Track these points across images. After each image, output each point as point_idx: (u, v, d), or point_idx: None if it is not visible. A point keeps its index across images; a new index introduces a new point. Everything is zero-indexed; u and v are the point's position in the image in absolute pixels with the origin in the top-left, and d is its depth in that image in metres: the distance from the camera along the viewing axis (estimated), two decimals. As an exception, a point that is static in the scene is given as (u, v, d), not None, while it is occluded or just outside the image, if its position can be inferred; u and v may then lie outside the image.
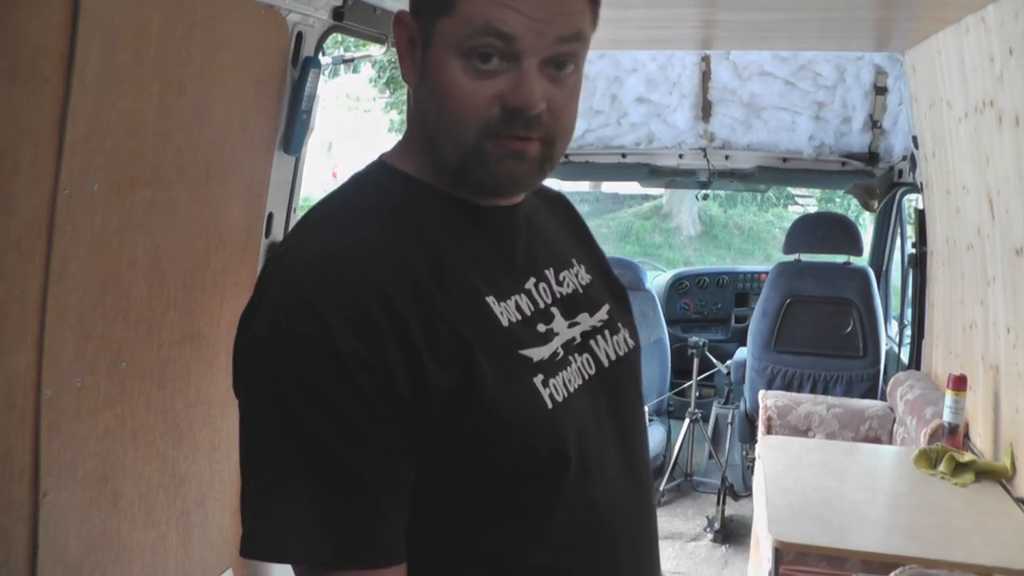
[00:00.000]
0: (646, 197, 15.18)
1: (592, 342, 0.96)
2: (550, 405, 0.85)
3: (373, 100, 16.48)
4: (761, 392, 3.58)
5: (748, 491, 4.08)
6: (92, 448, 1.74)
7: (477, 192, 0.89)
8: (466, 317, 0.83)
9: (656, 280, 5.27)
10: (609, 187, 14.72)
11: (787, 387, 3.90)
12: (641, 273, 4.65)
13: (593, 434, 0.90)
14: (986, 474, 2.42)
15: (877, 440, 3.27)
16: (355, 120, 16.95)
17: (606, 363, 0.96)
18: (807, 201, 15.80)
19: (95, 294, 1.67)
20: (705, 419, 4.34)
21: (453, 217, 0.89)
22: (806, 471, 2.53)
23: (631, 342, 1.02)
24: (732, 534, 3.89)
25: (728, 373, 4.30)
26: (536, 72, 0.82)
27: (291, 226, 2.36)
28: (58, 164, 1.49)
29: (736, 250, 15.48)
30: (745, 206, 16.34)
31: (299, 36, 2.13)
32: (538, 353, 0.88)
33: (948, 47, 2.69)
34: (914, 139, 3.40)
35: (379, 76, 13.60)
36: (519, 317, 0.88)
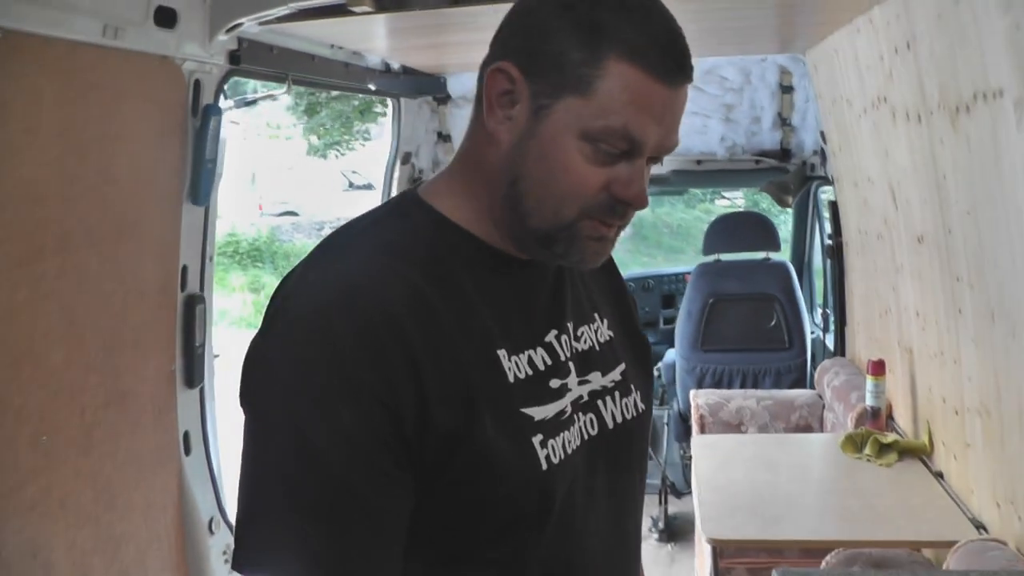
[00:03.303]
0: (573, 200, 15.32)
1: (600, 402, 0.95)
2: (545, 466, 0.85)
3: (293, 126, 16.31)
4: (692, 392, 3.65)
5: (689, 489, 4.15)
6: (17, 524, 1.70)
7: (557, 259, 0.90)
8: (475, 365, 0.83)
9: None
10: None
11: (717, 384, 3.98)
12: None
13: (581, 496, 0.90)
14: (908, 452, 2.53)
15: (808, 428, 3.37)
16: (277, 148, 16.78)
17: (610, 425, 0.95)
18: (733, 194, 16.16)
19: (10, 368, 1.64)
20: (642, 421, 4.40)
21: (482, 263, 0.89)
22: (739, 467, 2.60)
23: (641, 406, 1.00)
24: (677, 532, 3.97)
25: (659, 375, 4.38)
26: (646, 169, 0.85)
27: (207, 277, 2.33)
28: (-35, 241, 1.46)
29: (667, 248, 15.72)
30: (672, 204, 16.61)
31: (197, 84, 2.11)
32: (541, 412, 0.87)
33: (843, 47, 2.80)
34: (822, 134, 3.52)
35: (297, 103, 13.51)
36: (529, 372, 0.88)
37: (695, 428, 3.45)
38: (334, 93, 13.07)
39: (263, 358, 0.82)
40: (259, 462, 0.80)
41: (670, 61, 0.82)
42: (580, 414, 0.92)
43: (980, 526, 2.08)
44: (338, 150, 14.96)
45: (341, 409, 0.77)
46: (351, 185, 16.44)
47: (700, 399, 3.47)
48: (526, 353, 0.88)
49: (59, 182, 1.71)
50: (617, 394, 0.97)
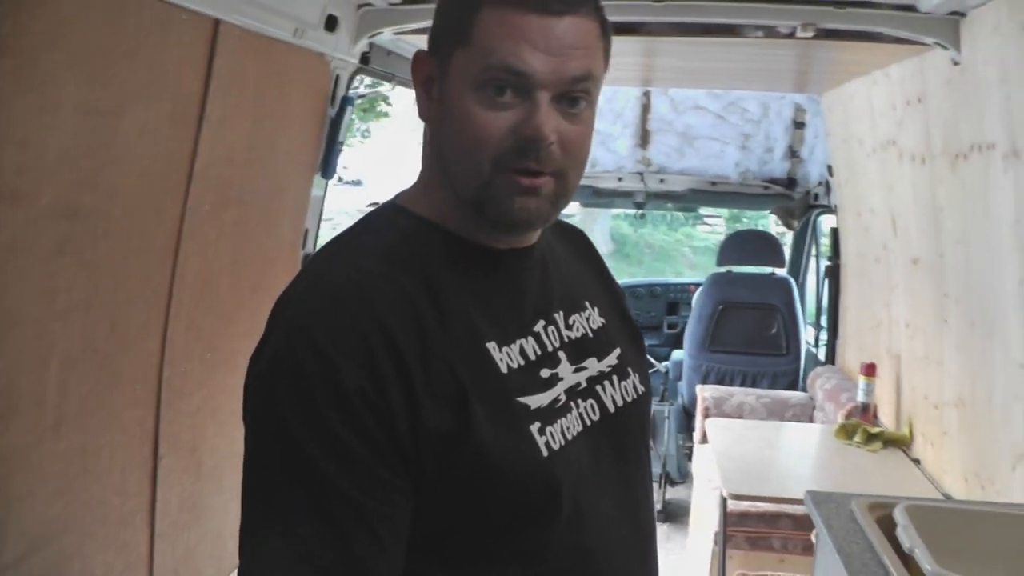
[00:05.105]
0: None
1: (599, 387, 0.96)
2: (545, 453, 0.86)
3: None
4: (698, 386, 4.10)
5: (683, 478, 4.59)
6: (188, 422, 2.10)
7: (494, 229, 0.90)
8: (465, 361, 0.84)
9: None
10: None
11: (719, 382, 4.43)
12: None
13: (589, 481, 0.91)
14: (891, 442, 2.99)
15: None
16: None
17: (611, 409, 0.96)
18: (715, 221, 16.71)
19: (197, 293, 2.03)
20: (644, 415, 4.85)
21: (463, 260, 0.90)
22: (748, 445, 3.05)
23: (640, 388, 1.02)
24: (671, 515, 4.39)
25: (666, 373, 4.83)
26: (548, 106, 0.84)
27: (318, 239, 2.74)
28: (187, 187, 1.86)
29: (647, 268, 16.12)
30: (655, 225, 17.06)
31: (337, 78, 2.53)
32: (536, 400, 0.88)
33: (859, 94, 3.26)
34: (829, 168, 4.00)
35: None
36: (521, 362, 0.89)
37: (699, 418, 3.89)
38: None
39: (258, 373, 0.83)
40: (257, 473, 0.82)
41: None
42: (579, 401, 0.93)
43: (949, 497, 2.52)
44: (337, 146, 15.40)
45: (332, 417, 0.78)
46: (340, 180, 16.86)
47: (706, 393, 3.92)
48: (517, 343, 0.90)
49: (244, 148, 2.11)
50: (615, 378, 0.98)
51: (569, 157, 0.86)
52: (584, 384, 0.94)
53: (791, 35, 2.34)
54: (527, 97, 0.83)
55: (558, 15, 0.83)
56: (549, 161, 0.84)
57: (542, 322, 0.93)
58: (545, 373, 0.91)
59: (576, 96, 0.85)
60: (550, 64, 0.82)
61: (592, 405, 0.94)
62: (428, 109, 0.90)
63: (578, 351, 0.95)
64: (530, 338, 0.91)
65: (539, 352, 0.91)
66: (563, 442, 0.88)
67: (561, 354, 0.93)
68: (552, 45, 0.82)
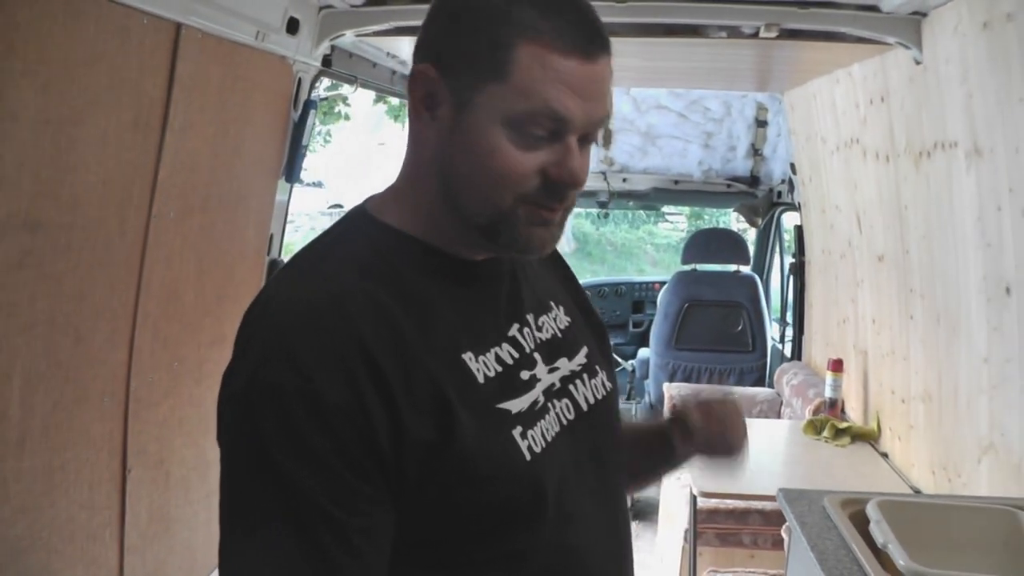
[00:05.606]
0: (519, 216, 15.64)
1: (571, 387, 0.97)
2: (528, 457, 0.86)
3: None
4: (665, 384, 4.12)
5: (652, 476, 4.60)
6: (155, 434, 2.05)
7: (504, 251, 0.91)
8: (444, 371, 0.84)
9: None
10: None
11: (687, 380, 4.47)
12: None
13: (572, 480, 0.92)
14: (859, 436, 3.02)
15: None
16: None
17: (585, 407, 0.97)
18: (677, 219, 16.84)
19: (164, 302, 1.99)
20: (611, 413, 4.87)
21: (439, 271, 0.90)
22: (718, 442, 3.05)
23: (608, 385, 1.03)
24: (640, 512, 4.40)
25: (632, 371, 4.85)
26: (577, 147, 0.85)
27: (282, 244, 2.70)
28: (152, 195, 1.82)
29: (610, 266, 16.21)
30: (617, 223, 17.16)
31: (299, 82, 2.49)
32: (516, 405, 0.89)
33: (822, 92, 3.30)
34: (792, 166, 4.04)
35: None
36: (499, 369, 0.89)
37: (667, 415, 3.90)
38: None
39: (233, 390, 0.81)
40: (234, 490, 0.81)
41: (581, 36, 0.82)
42: (555, 401, 0.94)
43: (917, 491, 2.56)
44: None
45: (310, 432, 0.77)
46: (300, 182, 16.75)
47: (673, 390, 3.93)
48: (492, 351, 0.90)
49: (208, 154, 2.07)
50: (585, 376, 0.99)
51: (580, 190, 0.88)
52: (558, 384, 0.95)
53: (755, 35, 2.35)
54: (558, 139, 0.84)
55: (595, 60, 0.83)
56: (570, 197, 0.87)
57: (516, 325, 0.94)
58: (524, 375, 0.91)
59: (593, 135, 0.87)
60: (586, 108, 0.83)
61: (567, 405, 0.95)
62: (427, 127, 0.87)
63: (549, 352, 0.96)
64: (505, 344, 0.92)
65: (516, 356, 0.92)
66: (544, 444, 0.89)
67: (537, 355, 0.94)
68: (589, 90, 0.83)
